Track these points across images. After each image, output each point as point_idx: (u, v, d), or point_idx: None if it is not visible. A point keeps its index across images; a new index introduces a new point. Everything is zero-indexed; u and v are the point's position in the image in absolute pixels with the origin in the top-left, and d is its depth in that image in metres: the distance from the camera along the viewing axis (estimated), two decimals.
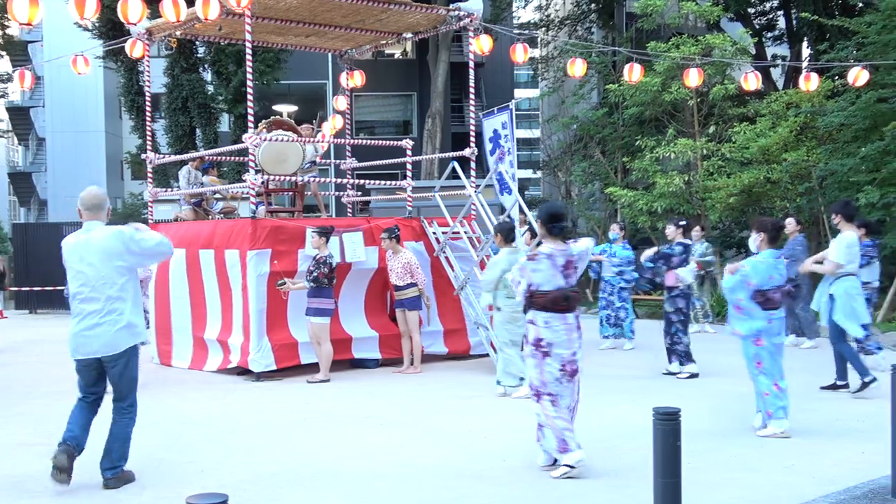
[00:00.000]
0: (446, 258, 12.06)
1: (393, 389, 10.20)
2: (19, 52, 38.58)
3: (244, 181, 11.74)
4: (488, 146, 12.67)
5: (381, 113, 37.30)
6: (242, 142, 11.63)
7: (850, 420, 8.12)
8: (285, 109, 27.05)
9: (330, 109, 26.28)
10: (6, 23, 30.58)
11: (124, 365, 6.27)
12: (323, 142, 14.22)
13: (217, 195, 14.13)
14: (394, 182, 13.88)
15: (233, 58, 24.11)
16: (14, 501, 5.98)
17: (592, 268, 13.74)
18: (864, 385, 9.20)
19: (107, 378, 6.39)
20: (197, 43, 24.69)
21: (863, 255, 9.83)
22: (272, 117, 13.58)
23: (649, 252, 10.90)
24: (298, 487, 6.18)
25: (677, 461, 4.48)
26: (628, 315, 13.24)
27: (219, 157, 15.95)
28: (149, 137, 13.89)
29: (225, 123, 28.00)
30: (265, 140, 11.95)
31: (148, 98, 13.73)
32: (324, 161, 15.98)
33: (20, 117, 45.11)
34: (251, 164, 11.58)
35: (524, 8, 35.93)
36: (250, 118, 11.67)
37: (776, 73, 25.97)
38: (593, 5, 29.17)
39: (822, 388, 9.59)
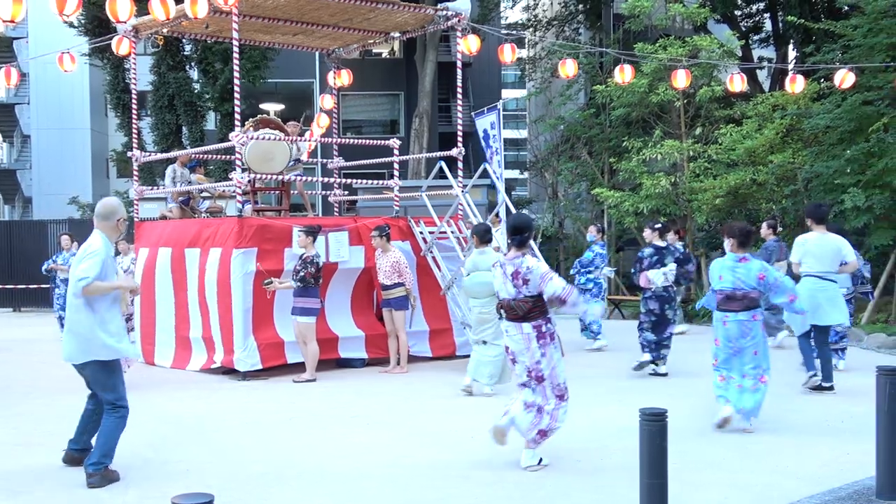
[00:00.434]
0: (433, 258, 12.05)
1: (379, 389, 10.19)
2: (4, 49, 38.33)
3: (231, 180, 11.70)
4: (485, 145, 12.68)
5: (368, 112, 37.24)
6: (229, 140, 11.59)
7: (836, 421, 8.15)
8: (272, 108, 27.01)
9: (317, 108, 26.25)
10: None
11: (91, 372, 6.33)
12: (310, 140, 14.19)
13: (204, 193, 14.08)
14: (381, 181, 13.86)
15: (220, 56, 24.05)
16: None
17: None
18: (811, 379, 9.39)
19: None
20: (184, 41, 24.60)
21: None
22: (259, 116, 13.55)
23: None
24: (285, 487, 6.16)
25: (663, 462, 4.49)
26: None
27: (205, 156, 15.90)
28: (135, 135, 13.82)
29: (211, 121, 27.90)
30: (252, 138, 11.92)
31: (134, 96, 13.66)
32: (311, 160, 15.96)
33: (5, 114, 44.80)
34: (238, 162, 11.55)
35: (512, 8, 35.93)
36: (237, 116, 11.63)
37: (762, 76, 26.07)
38: (581, 6, 29.20)
39: (809, 388, 9.62)
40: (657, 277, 10.66)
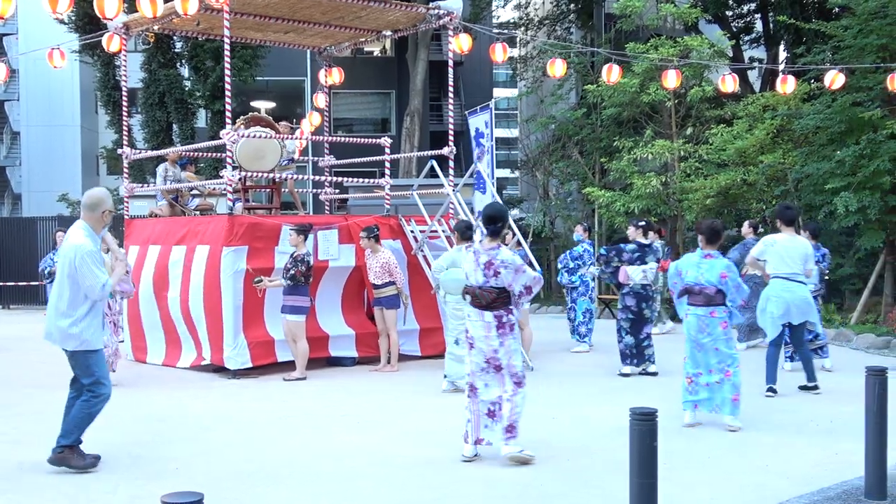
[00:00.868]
0: (424, 257, 12.05)
1: (370, 388, 10.18)
2: None
3: (221, 177, 11.68)
4: (475, 143, 12.68)
5: (359, 110, 37.19)
6: (220, 138, 11.57)
7: (824, 421, 8.18)
8: (263, 106, 26.96)
9: (308, 106, 26.20)
10: None
11: (70, 354, 6.47)
12: (301, 139, 14.17)
13: (194, 191, 14.05)
14: (372, 180, 13.85)
15: (211, 53, 23.98)
16: None
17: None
18: (767, 391, 9.43)
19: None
20: (175, 38, 24.54)
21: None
22: (250, 114, 13.52)
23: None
24: (277, 486, 6.14)
25: (653, 461, 4.49)
26: (576, 316, 13.17)
27: (196, 154, 15.86)
28: (125, 132, 13.77)
29: (202, 119, 27.83)
30: (243, 136, 11.89)
31: (124, 93, 13.62)
32: (302, 158, 15.93)
33: None
34: (229, 160, 11.52)
35: (503, 7, 35.94)
36: (228, 114, 11.61)
37: (753, 76, 26.13)
38: (572, 5, 29.21)
39: (799, 387, 9.66)
40: (636, 274, 10.77)
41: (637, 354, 10.87)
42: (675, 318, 15.39)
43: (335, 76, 15.21)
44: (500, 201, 12.20)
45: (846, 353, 12.92)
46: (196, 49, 24.55)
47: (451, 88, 13.68)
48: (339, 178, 13.97)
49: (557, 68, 14.01)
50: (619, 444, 6.68)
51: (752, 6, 26.45)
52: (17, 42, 37.78)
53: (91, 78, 31.37)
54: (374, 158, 14.64)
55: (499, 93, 48.13)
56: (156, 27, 12.85)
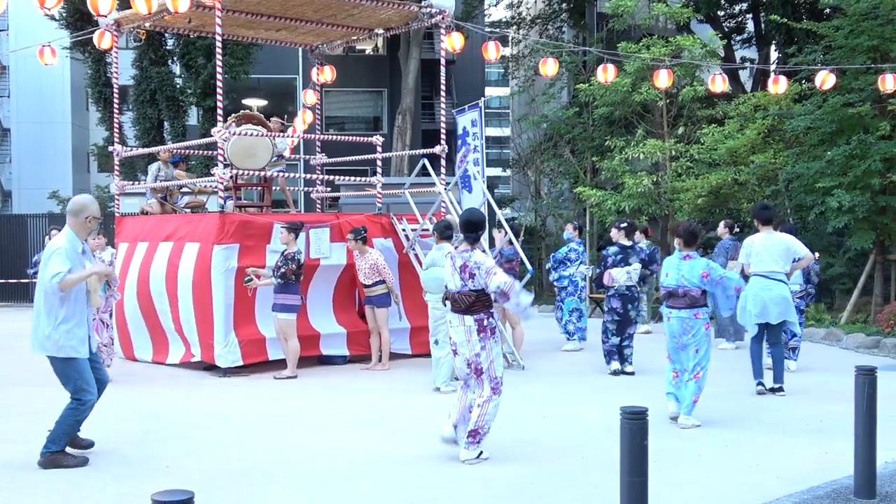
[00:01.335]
0: (416, 255, 12.05)
1: (361, 386, 10.18)
2: None
3: (213, 175, 11.65)
4: (461, 142, 12.68)
5: (351, 109, 37.15)
6: (211, 135, 11.55)
7: (814, 420, 8.21)
8: (255, 103, 26.88)
9: (300, 104, 26.15)
10: None
11: (51, 362, 6.53)
12: (293, 136, 14.15)
13: (184, 189, 14.01)
14: (364, 178, 13.84)
15: (202, 51, 23.93)
16: None
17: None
18: (757, 387, 9.47)
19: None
20: (166, 35, 24.47)
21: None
22: (242, 111, 13.49)
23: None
24: (269, 485, 6.11)
25: (644, 460, 4.50)
26: (563, 315, 13.19)
27: (187, 151, 15.83)
28: (116, 130, 13.73)
29: (193, 117, 27.77)
30: (234, 134, 11.87)
31: (116, 90, 13.58)
32: (294, 156, 15.91)
33: None
34: (220, 158, 11.50)
35: (496, 6, 35.95)
36: (219, 112, 11.59)
37: (744, 76, 26.22)
38: (564, 5, 29.24)
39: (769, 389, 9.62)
40: (620, 276, 10.80)
41: (619, 353, 10.93)
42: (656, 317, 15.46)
43: (327, 74, 15.19)
44: (492, 200, 12.19)
45: (836, 353, 12.97)
46: (188, 46, 24.50)
47: (443, 87, 13.68)
48: (331, 177, 13.96)
49: (550, 67, 14.02)
50: (610, 442, 6.69)
51: (744, 6, 26.54)
52: (8, 38, 37.66)
53: (82, 75, 31.26)
54: (365, 157, 14.63)
55: (491, 91, 48.17)
56: (147, 24, 12.81)
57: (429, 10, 12.57)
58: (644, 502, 4.50)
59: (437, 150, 12.92)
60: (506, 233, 12.24)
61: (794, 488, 6.01)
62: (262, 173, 12.66)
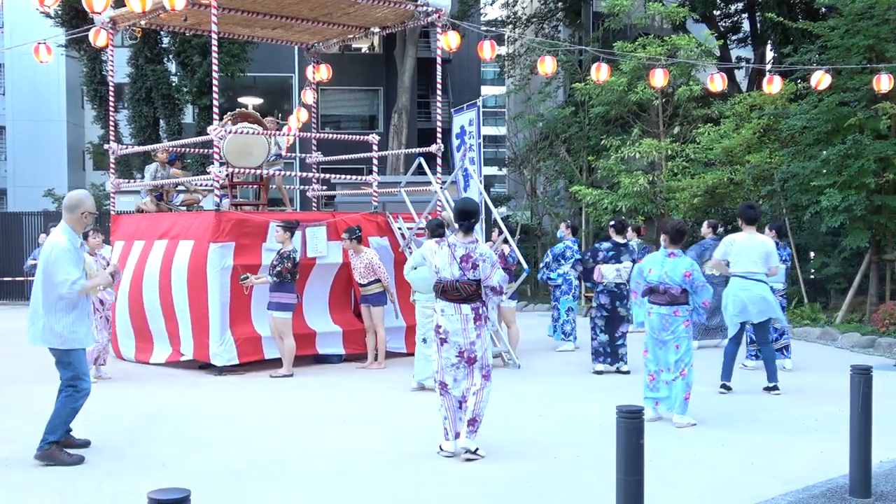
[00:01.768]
0: (411, 254, 12.03)
1: (357, 385, 10.17)
2: None
3: (208, 173, 11.64)
4: (455, 142, 12.68)
5: (347, 107, 37.13)
6: (207, 134, 11.53)
7: (809, 420, 8.22)
8: (251, 102, 26.87)
9: (296, 103, 26.14)
10: None
11: (51, 352, 6.58)
12: (289, 135, 14.14)
13: (179, 188, 13.99)
14: (359, 177, 13.83)
15: (198, 49, 23.90)
16: None
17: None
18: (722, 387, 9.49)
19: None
20: (162, 33, 24.42)
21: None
22: (237, 109, 13.48)
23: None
24: (265, 484, 6.10)
25: (640, 459, 4.50)
26: (559, 315, 13.18)
27: (182, 149, 15.80)
28: (111, 128, 13.71)
29: (189, 115, 27.73)
30: (230, 132, 11.86)
31: (111, 88, 13.55)
32: (289, 154, 15.89)
33: None
34: (216, 156, 11.48)
35: (492, 5, 35.93)
36: (215, 110, 11.57)
37: (740, 76, 26.22)
38: (560, 4, 29.24)
39: (764, 388, 9.64)
40: (609, 272, 10.86)
41: (611, 353, 10.94)
42: None
43: (323, 73, 15.18)
44: (488, 199, 12.19)
45: (831, 352, 12.99)
46: (183, 44, 24.47)
47: (438, 85, 13.68)
48: (327, 175, 13.95)
49: (548, 66, 14.01)
50: (606, 441, 6.69)
51: (740, 6, 26.56)
52: (3, 36, 37.57)
53: (77, 73, 31.23)
54: (361, 155, 14.62)
55: (487, 90, 48.13)
56: (143, 22, 12.79)
57: (425, 8, 12.57)
58: (640, 501, 4.50)
59: (433, 148, 12.91)
60: (500, 231, 12.23)
61: (789, 487, 6.02)
62: (258, 171, 12.64)
